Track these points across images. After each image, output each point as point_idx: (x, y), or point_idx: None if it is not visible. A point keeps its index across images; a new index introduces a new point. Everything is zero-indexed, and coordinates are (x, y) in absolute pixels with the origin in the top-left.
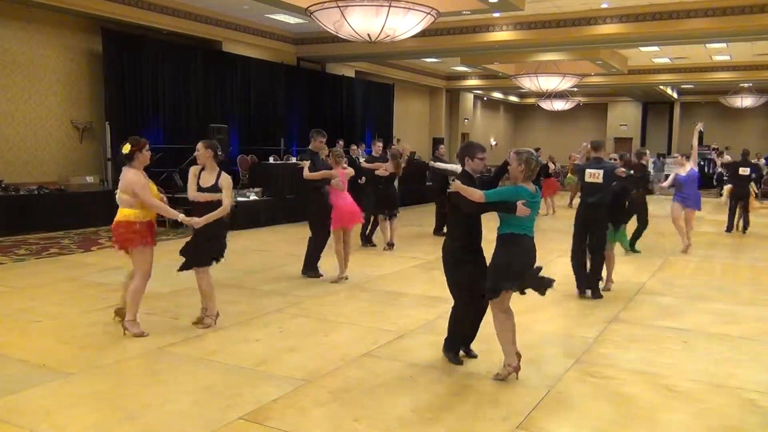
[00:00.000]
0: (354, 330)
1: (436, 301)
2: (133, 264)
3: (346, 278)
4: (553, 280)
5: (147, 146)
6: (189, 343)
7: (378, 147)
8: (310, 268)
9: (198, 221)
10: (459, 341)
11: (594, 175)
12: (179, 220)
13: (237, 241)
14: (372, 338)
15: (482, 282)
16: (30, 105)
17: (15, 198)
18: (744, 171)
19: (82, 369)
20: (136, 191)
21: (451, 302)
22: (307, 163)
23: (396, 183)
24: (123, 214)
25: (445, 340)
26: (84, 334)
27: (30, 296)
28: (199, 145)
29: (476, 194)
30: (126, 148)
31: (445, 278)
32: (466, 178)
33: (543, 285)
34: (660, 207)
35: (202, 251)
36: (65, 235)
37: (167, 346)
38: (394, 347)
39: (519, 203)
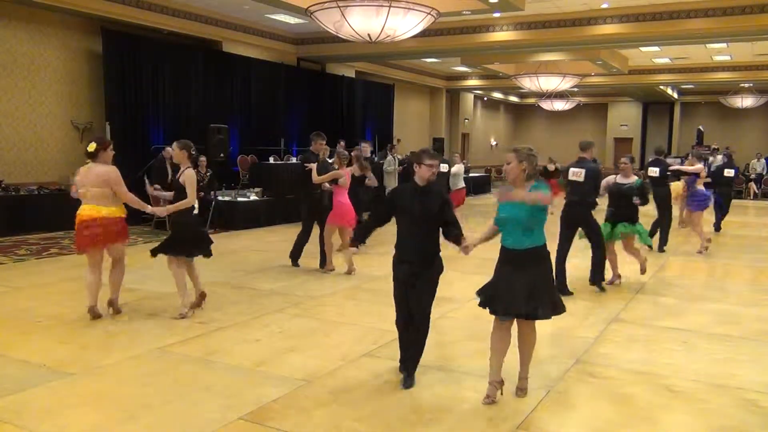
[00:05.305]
0: (354, 330)
1: (437, 301)
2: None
3: (333, 269)
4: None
5: (111, 146)
6: (189, 343)
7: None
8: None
9: (161, 210)
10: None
11: (577, 174)
12: (148, 212)
13: (237, 241)
14: (372, 338)
15: (413, 296)
16: (30, 105)
17: (15, 198)
18: (729, 173)
19: (82, 369)
20: (110, 183)
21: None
22: (314, 166)
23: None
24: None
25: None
26: (84, 334)
27: (30, 296)
28: (174, 146)
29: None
30: (91, 147)
31: (440, 282)
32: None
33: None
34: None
35: (176, 241)
36: (65, 235)
37: (167, 346)
38: (395, 347)
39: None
